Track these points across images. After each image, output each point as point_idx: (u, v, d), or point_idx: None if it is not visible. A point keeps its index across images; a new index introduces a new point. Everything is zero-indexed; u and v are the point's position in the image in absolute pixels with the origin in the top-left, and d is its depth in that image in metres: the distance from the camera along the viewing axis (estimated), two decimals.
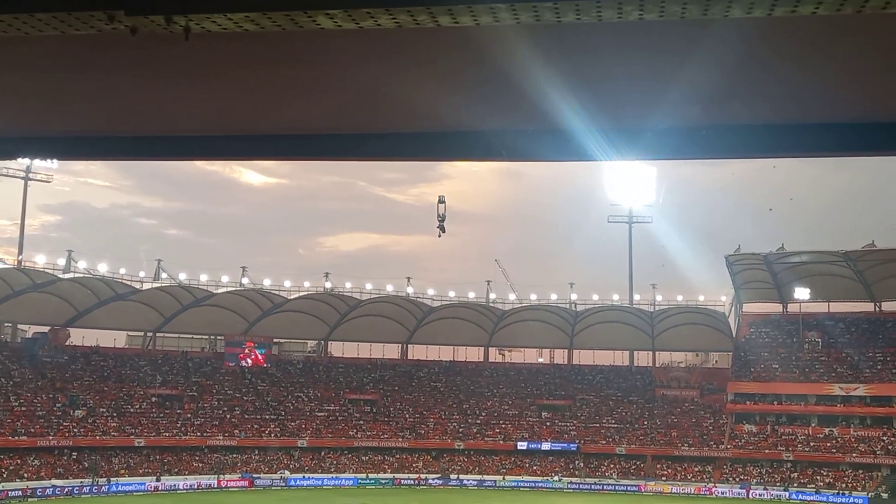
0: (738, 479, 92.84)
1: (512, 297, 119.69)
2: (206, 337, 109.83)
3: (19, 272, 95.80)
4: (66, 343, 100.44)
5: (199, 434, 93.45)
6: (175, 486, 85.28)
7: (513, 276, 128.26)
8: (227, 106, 4.35)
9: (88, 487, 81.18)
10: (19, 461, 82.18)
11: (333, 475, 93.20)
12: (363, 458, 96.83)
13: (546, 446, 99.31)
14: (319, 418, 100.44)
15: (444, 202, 57.28)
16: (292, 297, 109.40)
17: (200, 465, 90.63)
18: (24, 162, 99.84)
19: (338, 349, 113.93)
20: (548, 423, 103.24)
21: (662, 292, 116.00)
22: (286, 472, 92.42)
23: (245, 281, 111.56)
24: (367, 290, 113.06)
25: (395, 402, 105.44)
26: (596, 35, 3.55)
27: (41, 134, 4.59)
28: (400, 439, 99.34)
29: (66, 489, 79.80)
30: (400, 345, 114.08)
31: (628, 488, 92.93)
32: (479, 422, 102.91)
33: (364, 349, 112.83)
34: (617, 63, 3.80)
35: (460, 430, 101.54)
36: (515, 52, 3.64)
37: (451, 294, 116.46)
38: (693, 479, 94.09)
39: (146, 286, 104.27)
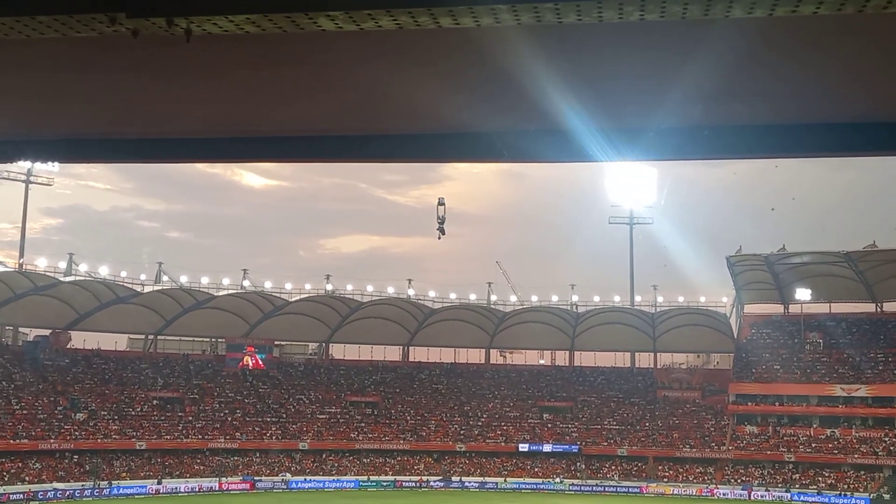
0: (739, 481, 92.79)
1: (513, 298, 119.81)
2: (208, 339, 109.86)
3: (20, 275, 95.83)
4: (68, 346, 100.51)
5: (200, 437, 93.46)
6: (176, 488, 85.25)
7: (514, 277, 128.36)
8: (229, 108, 4.35)
9: (90, 490, 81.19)
10: (20, 464, 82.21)
11: (335, 477, 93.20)
12: (364, 460, 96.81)
13: (547, 448, 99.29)
14: (321, 420, 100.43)
15: (443, 204, 57.26)
16: (293, 299, 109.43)
17: (202, 467, 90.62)
18: (25, 165, 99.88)
19: (339, 351, 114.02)
20: (549, 425, 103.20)
21: (663, 293, 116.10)
22: (287, 474, 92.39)
23: (246, 283, 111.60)
24: (369, 292, 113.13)
25: (396, 404, 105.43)
26: (597, 35, 3.55)
27: (43, 137, 4.59)
28: (401, 441, 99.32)
29: (68, 492, 79.82)
30: (401, 347, 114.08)
31: (630, 490, 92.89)
32: (480, 424, 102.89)
33: (365, 351, 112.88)
34: (618, 63, 3.80)
35: (462, 432, 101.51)
36: (517, 52, 3.64)
37: (453, 296, 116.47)
38: (695, 481, 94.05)
39: (147, 289, 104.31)
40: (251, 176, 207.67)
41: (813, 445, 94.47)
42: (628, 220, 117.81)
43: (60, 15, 3.09)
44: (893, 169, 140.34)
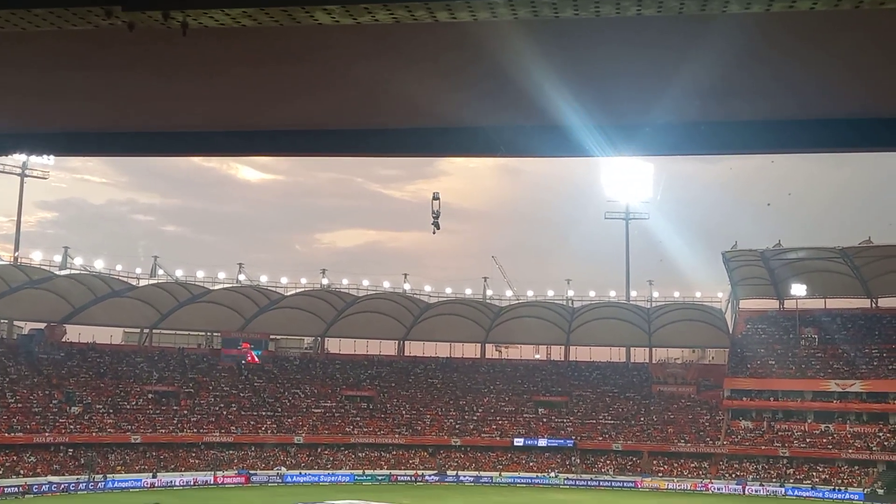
0: (734, 475, 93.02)
1: (509, 293, 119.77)
2: (203, 333, 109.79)
3: (15, 269, 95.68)
4: (63, 340, 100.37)
5: (195, 430, 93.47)
6: (171, 482, 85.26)
7: (510, 272, 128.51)
8: (227, 103, 4.34)
9: (85, 484, 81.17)
10: (15, 458, 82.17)
11: (330, 471, 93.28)
12: (360, 454, 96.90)
13: (542, 442, 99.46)
14: (316, 415, 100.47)
15: (438, 199, 57.05)
16: (289, 293, 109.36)
17: (197, 461, 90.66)
18: (20, 158, 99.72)
19: (334, 346, 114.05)
20: (544, 420, 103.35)
21: (659, 289, 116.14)
22: (283, 468, 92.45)
23: (242, 277, 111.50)
24: (364, 287, 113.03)
25: (391, 398, 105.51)
26: (594, 31, 3.55)
27: (40, 130, 4.58)
28: (396, 436, 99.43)
29: (63, 486, 79.82)
30: (397, 341, 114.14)
31: (624, 484, 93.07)
32: (475, 418, 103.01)
33: (361, 346, 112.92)
34: (616, 59, 3.80)
35: (457, 426, 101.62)
36: (514, 48, 3.63)
37: (448, 291, 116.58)
38: (689, 476, 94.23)
39: (143, 283, 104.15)
40: (247, 170, 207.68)
41: (807, 440, 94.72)
42: (624, 216, 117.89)
43: (56, 8, 3.08)
44: (890, 166, 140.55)
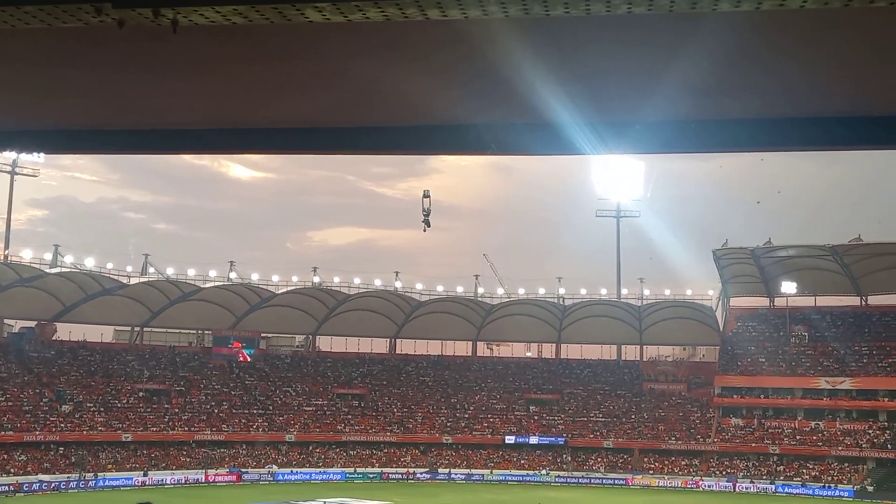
0: (724, 473, 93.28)
1: (500, 291, 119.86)
2: (194, 331, 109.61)
3: (6, 267, 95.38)
4: (53, 338, 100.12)
5: (186, 429, 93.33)
6: (162, 480, 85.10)
7: (501, 270, 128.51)
8: (218, 100, 4.34)
9: (75, 482, 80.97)
10: (6, 456, 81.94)
11: (321, 469, 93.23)
12: (351, 452, 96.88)
13: (534, 440, 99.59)
14: (307, 413, 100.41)
15: (428, 196, 57.13)
16: (280, 291, 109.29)
17: (188, 459, 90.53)
18: (10, 156, 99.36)
19: (326, 343, 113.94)
20: (535, 417, 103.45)
21: (650, 286, 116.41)
22: (274, 466, 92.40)
23: (233, 275, 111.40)
24: (356, 285, 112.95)
25: (383, 396, 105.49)
26: (585, 29, 3.56)
27: (31, 128, 4.57)
28: (388, 433, 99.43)
29: (53, 484, 79.61)
30: (388, 339, 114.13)
31: (615, 482, 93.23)
32: (467, 416, 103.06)
33: (352, 343, 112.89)
34: (606, 57, 3.81)
35: (448, 424, 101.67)
36: (505, 46, 3.64)
37: (440, 288, 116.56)
38: (680, 473, 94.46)
39: (133, 281, 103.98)
40: (239, 168, 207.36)
41: (797, 438, 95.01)
42: (615, 214, 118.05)
43: (46, 5, 3.07)
44: (880, 164, 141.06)
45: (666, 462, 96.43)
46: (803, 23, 3.40)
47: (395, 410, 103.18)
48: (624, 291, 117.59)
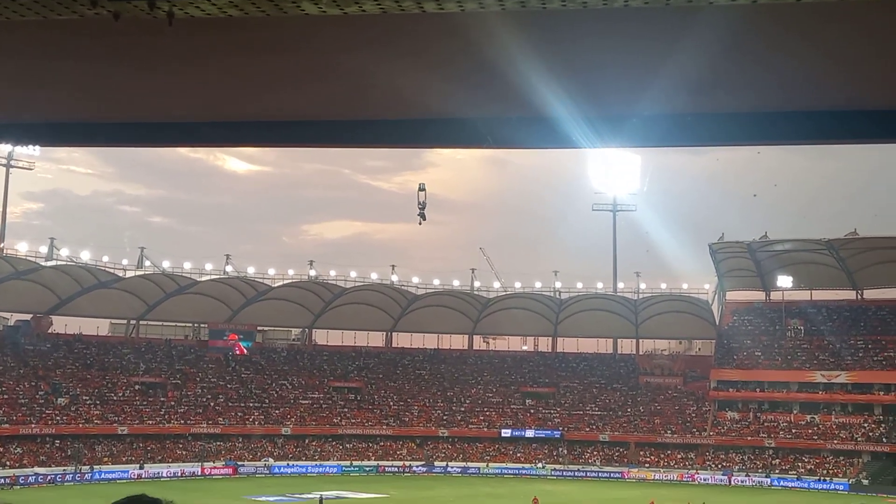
0: (720, 466, 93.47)
1: (496, 285, 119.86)
2: (190, 325, 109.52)
3: (1, 260, 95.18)
4: (49, 331, 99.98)
5: (182, 422, 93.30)
6: (158, 473, 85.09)
7: (497, 264, 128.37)
8: (213, 93, 4.33)
9: (71, 475, 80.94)
10: (2, 449, 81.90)
11: (317, 462, 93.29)
12: (347, 445, 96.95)
13: (530, 433, 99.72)
14: (303, 406, 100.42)
15: (424, 189, 57.00)
16: (276, 284, 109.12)
17: (184, 452, 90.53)
18: (5, 149, 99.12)
19: (322, 337, 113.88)
20: (531, 411, 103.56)
21: (646, 280, 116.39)
22: (270, 459, 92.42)
23: (229, 269, 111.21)
24: (352, 278, 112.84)
25: (379, 389, 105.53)
26: (581, 22, 3.55)
27: (26, 120, 4.56)
28: (384, 427, 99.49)
29: (50, 477, 79.56)
30: (384, 332, 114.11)
31: (611, 475, 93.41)
32: (463, 409, 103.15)
33: (348, 337, 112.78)
34: (602, 50, 3.80)
35: (444, 417, 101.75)
36: (502, 39, 3.63)
37: (436, 282, 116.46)
38: (676, 466, 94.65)
39: (129, 274, 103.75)
40: (234, 161, 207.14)
41: (793, 431, 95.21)
42: (612, 208, 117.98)
43: None
44: (875, 158, 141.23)
45: (662, 455, 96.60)
46: (799, 17, 3.40)
47: (392, 404, 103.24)
48: (620, 285, 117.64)
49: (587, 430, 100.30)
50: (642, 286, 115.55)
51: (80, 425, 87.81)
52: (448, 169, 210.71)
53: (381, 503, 74.07)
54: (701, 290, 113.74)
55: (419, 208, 55.74)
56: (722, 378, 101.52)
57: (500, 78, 3.85)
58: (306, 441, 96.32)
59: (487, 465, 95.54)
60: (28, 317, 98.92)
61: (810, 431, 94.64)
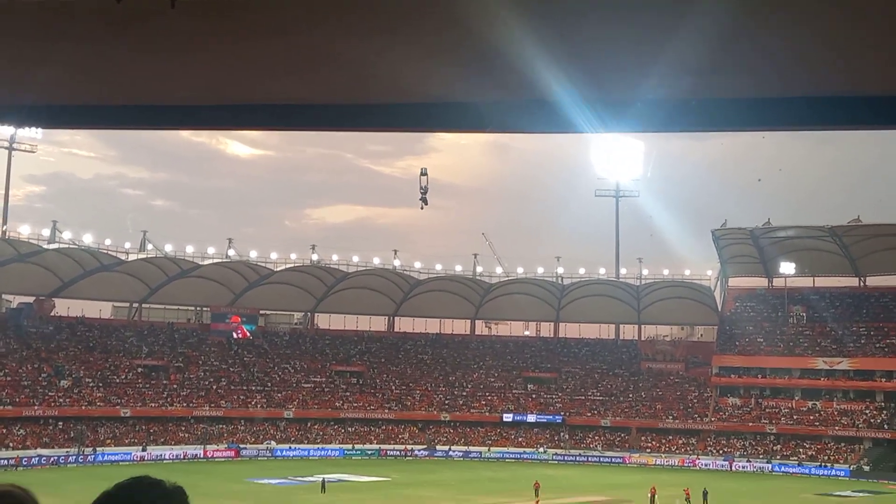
0: (721, 452, 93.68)
1: (499, 270, 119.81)
2: (192, 308, 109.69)
3: (4, 243, 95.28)
4: (52, 314, 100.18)
5: (185, 404, 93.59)
6: (161, 455, 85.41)
7: (500, 249, 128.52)
8: (215, 76, 4.33)
9: (74, 457, 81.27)
10: (5, 431, 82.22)
11: (319, 446, 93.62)
12: (349, 429, 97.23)
13: (531, 418, 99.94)
14: (306, 390, 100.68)
15: (426, 174, 56.90)
16: (279, 268, 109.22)
17: (186, 435, 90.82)
18: (7, 131, 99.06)
19: (324, 321, 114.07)
20: (533, 396, 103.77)
21: (649, 266, 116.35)
22: (272, 442, 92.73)
23: (231, 253, 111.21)
24: (354, 263, 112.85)
25: (381, 373, 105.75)
26: (583, 5, 3.55)
27: (27, 102, 4.56)
28: (386, 411, 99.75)
29: (52, 458, 79.91)
30: (387, 317, 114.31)
31: (613, 460, 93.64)
32: (465, 394, 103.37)
33: (351, 321, 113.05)
34: (604, 35, 3.80)
35: (446, 401, 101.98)
36: (503, 24, 3.63)
37: (438, 267, 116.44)
38: (677, 452, 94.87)
39: (132, 257, 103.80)
40: (237, 145, 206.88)
41: (794, 417, 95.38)
42: (614, 193, 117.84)
43: None
44: (879, 144, 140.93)
45: (663, 441, 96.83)
46: (800, 0, 3.40)
47: (394, 388, 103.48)
48: (622, 271, 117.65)
49: (589, 415, 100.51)
50: (645, 272, 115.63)
51: (83, 407, 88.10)
52: (450, 154, 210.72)
53: (383, 486, 74.30)
54: (703, 276, 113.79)
55: (421, 193, 55.68)
56: (724, 364, 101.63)
57: (502, 62, 3.85)
58: (308, 424, 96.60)
59: (489, 450, 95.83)
60: (31, 299, 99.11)
61: (812, 418, 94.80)
